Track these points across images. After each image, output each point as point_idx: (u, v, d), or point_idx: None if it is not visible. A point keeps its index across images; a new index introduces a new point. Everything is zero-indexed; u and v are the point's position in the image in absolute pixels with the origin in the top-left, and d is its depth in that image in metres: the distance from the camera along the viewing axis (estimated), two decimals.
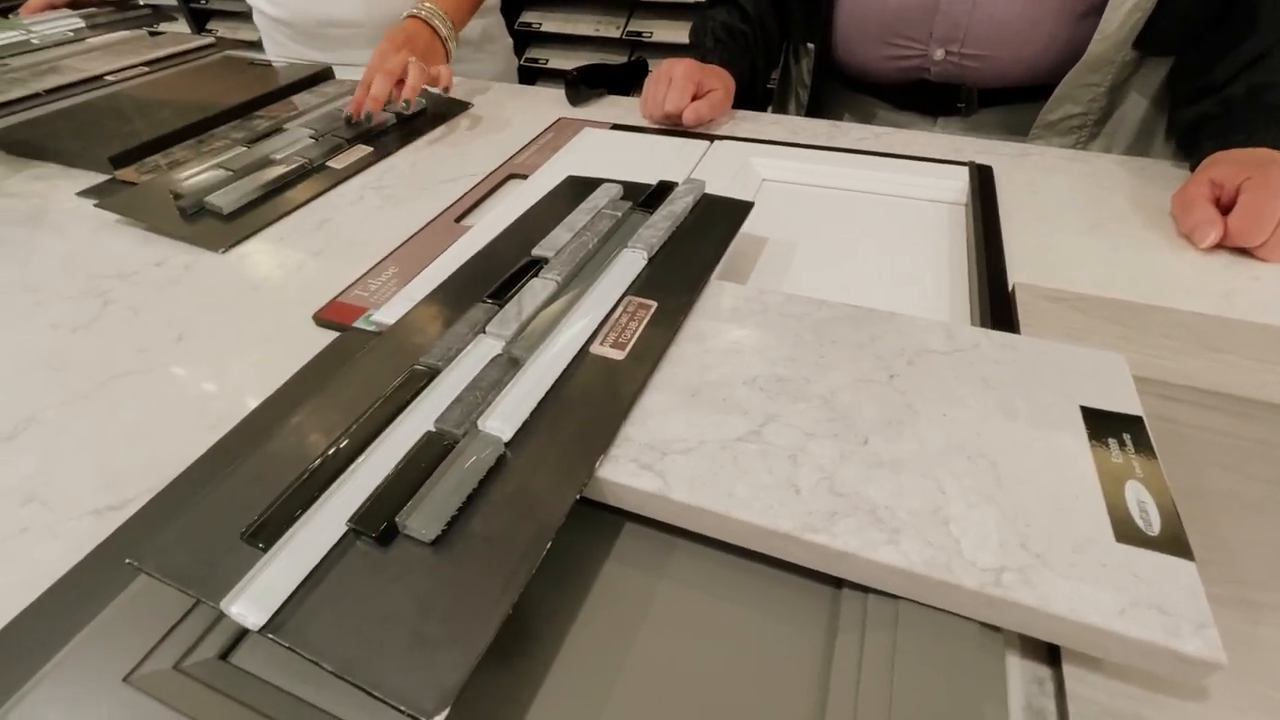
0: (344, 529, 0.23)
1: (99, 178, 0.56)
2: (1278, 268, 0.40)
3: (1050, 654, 0.23)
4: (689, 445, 0.26)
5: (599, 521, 0.27)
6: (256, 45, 0.92)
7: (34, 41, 0.81)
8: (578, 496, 0.24)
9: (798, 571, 0.25)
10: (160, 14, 1.40)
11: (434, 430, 0.27)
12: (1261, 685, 0.21)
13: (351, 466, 0.25)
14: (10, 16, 0.89)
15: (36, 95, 0.68)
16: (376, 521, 0.23)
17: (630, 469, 0.25)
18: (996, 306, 0.37)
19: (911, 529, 0.23)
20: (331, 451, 0.26)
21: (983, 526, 0.23)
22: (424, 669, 0.19)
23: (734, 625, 0.24)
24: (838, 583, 0.25)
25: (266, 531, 0.23)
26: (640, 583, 0.25)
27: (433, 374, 0.29)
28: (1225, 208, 0.42)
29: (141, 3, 0.98)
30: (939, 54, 0.59)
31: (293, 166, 0.55)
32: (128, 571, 0.24)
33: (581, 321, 0.31)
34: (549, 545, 0.22)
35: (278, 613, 0.21)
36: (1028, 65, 0.57)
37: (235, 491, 0.25)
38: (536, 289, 0.34)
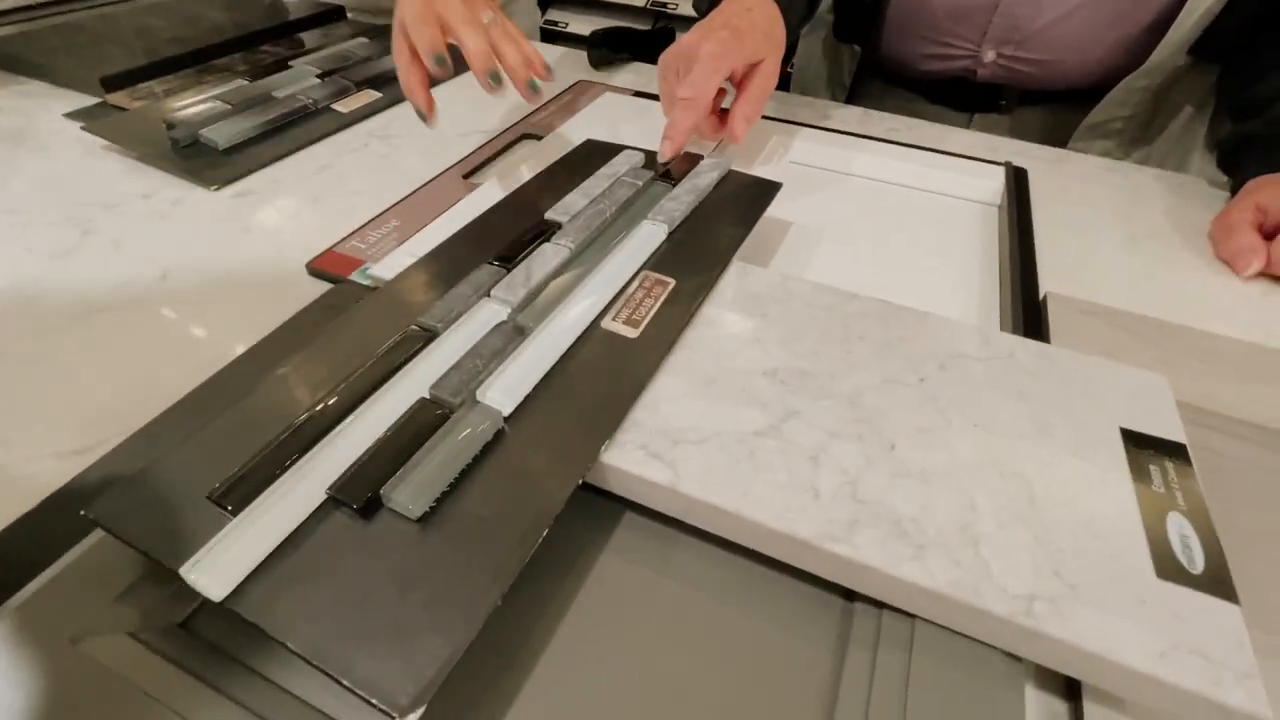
0: (323, 497, 0.21)
1: (89, 100, 0.53)
2: None
3: (1068, 689, 0.22)
4: (703, 435, 0.24)
5: (598, 509, 0.26)
6: None
7: None
8: (580, 482, 0.22)
9: (806, 579, 0.23)
10: None
11: (428, 397, 0.25)
12: None
13: (336, 429, 0.23)
14: None
15: (28, 7, 0.64)
16: (359, 492, 0.21)
17: (638, 456, 0.23)
18: (1029, 315, 0.35)
19: (938, 546, 0.21)
20: (315, 411, 0.24)
21: (1014, 549, 0.21)
22: (400, 658, 0.18)
23: (736, 631, 0.22)
24: (849, 594, 0.23)
25: (237, 494, 0.21)
26: (639, 579, 0.24)
27: (431, 336, 0.27)
28: (1269, 234, 0.40)
29: None
30: (990, 55, 0.56)
31: (296, 106, 0.52)
32: (85, 523, 0.22)
33: (594, 294, 0.29)
34: (545, 533, 0.21)
35: (243, 584, 0.19)
36: (1082, 71, 0.55)
37: (207, 447, 0.23)
38: (547, 255, 0.32)
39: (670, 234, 0.34)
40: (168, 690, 0.19)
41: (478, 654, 0.19)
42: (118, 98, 0.53)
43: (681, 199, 0.36)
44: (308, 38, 0.66)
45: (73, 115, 0.52)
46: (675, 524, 0.25)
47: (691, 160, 0.40)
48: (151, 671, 0.20)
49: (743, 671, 0.21)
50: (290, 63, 0.58)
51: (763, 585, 0.24)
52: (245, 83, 0.54)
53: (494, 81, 0.41)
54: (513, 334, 0.27)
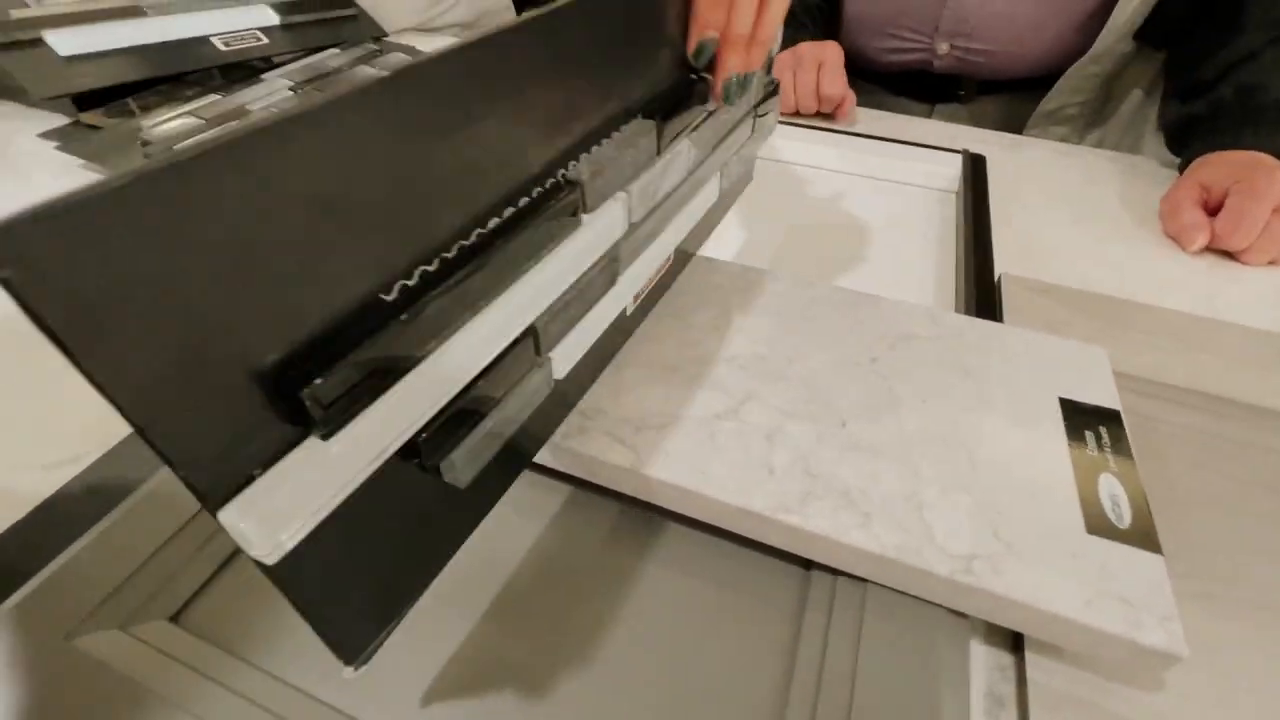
0: (409, 435, 0.15)
1: (62, 119, 0.54)
2: (1260, 271, 0.41)
3: (1014, 642, 0.23)
4: (664, 421, 0.25)
5: (568, 495, 0.27)
6: None
7: None
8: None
9: (769, 552, 0.25)
10: None
11: (535, 329, 0.19)
12: (1217, 677, 0.22)
13: (461, 325, 0.16)
14: None
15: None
16: (442, 448, 0.16)
17: (604, 442, 0.25)
18: (982, 296, 0.36)
19: (884, 513, 0.22)
20: (441, 265, 0.15)
21: (955, 514, 0.22)
22: (371, 611, 0.18)
23: (703, 603, 0.24)
24: (808, 564, 0.24)
25: (339, 398, 0.13)
26: (610, 559, 0.25)
27: (576, 205, 0.19)
28: (1212, 210, 0.42)
29: None
30: (944, 48, 0.58)
31: None
32: (73, 529, 0.23)
33: (659, 255, 0.26)
34: (490, 508, 0.21)
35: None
36: (1032, 60, 0.57)
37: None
38: (683, 154, 0.24)
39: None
40: (160, 680, 0.20)
41: (451, 630, 0.20)
42: (91, 116, 0.53)
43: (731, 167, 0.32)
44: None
45: (46, 135, 0.52)
46: (647, 506, 0.26)
47: None
48: (143, 663, 0.21)
49: (709, 637, 0.23)
50: (262, 76, 0.59)
51: (726, 559, 0.25)
52: (218, 97, 0.55)
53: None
54: (608, 278, 0.22)
